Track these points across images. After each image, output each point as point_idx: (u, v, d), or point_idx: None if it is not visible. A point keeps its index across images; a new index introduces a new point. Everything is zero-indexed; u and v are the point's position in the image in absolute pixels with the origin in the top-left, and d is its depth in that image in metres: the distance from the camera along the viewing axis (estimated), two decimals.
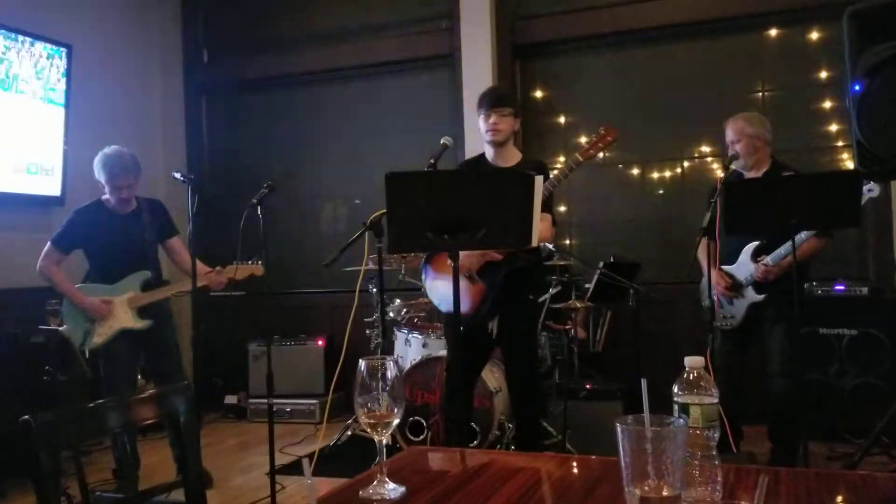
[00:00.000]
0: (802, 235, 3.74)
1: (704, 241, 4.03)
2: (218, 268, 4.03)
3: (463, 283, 3.52)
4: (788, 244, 3.75)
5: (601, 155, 5.77)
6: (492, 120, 3.50)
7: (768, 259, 3.85)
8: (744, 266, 3.95)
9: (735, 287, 3.98)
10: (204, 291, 4.02)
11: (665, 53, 5.64)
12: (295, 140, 6.56)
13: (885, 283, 4.83)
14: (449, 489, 1.32)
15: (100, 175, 3.99)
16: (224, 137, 6.78)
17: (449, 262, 3.47)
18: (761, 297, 3.90)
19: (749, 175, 3.99)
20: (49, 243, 4.03)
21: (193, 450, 1.61)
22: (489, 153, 3.64)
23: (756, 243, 3.92)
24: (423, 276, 3.72)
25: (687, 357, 1.17)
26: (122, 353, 3.99)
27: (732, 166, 4.05)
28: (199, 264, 3.90)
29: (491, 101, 3.52)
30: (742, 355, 4.08)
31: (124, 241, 3.93)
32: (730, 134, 4.03)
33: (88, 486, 1.50)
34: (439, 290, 3.62)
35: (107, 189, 4.00)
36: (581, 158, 3.46)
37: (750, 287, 3.93)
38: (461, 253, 3.45)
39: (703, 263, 4.06)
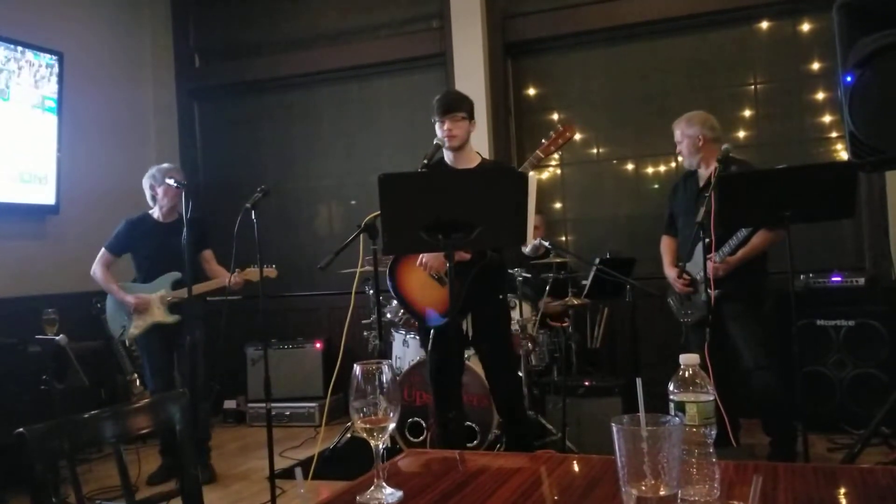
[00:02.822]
0: (743, 233, 3.79)
1: (666, 238, 4.28)
2: (237, 270, 4.30)
3: (433, 286, 3.52)
4: (731, 240, 3.81)
5: (595, 151, 5.81)
6: (446, 126, 3.49)
7: (715, 255, 3.86)
8: (697, 262, 3.93)
9: (693, 283, 3.99)
10: (222, 292, 4.34)
11: (656, 48, 5.64)
12: (288, 143, 6.55)
13: (882, 274, 4.83)
14: (447, 492, 1.32)
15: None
16: (217, 141, 6.77)
17: (418, 265, 3.51)
18: (715, 292, 3.90)
19: (700, 172, 4.06)
20: (103, 248, 4.54)
21: (189, 457, 1.60)
22: (448, 157, 3.62)
23: (707, 240, 3.92)
24: (391, 290, 3.70)
25: (682, 354, 1.16)
26: (156, 345, 4.47)
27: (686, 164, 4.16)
28: (220, 269, 4.54)
29: (443, 108, 3.51)
30: (720, 349, 4.04)
31: (163, 247, 4.38)
32: (675, 136, 4.14)
33: (85, 496, 1.49)
34: (410, 297, 3.62)
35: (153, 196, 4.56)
36: (542, 155, 3.52)
37: (704, 283, 3.93)
38: (428, 255, 3.47)
39: (666, 262, 4.21)
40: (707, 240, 3.81)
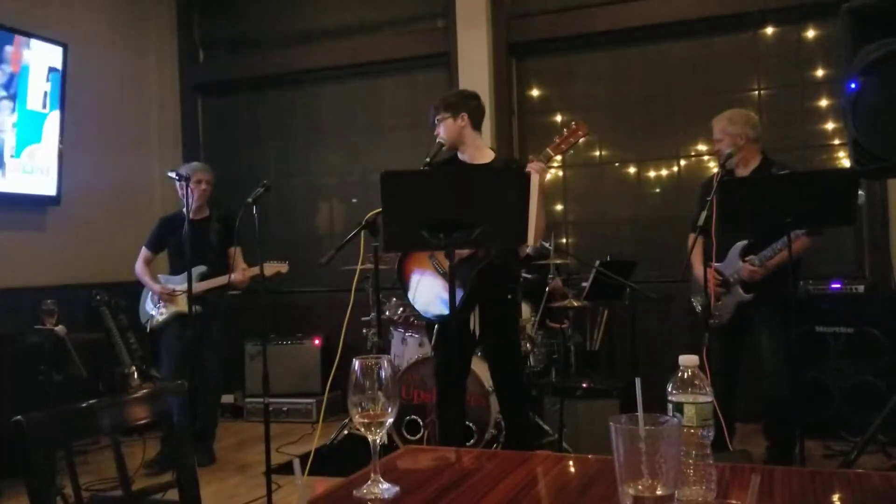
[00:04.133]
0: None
1: (694, 236, 4.04)
2: (243, 266, 4.66)
3: (438, 281, 3.52)
4: (775, 244, 3.76)
5: (598, 153, 5.81)
6: (435, 131, 3.56)
7: (755, 258, 3.84)
8: (731, 264, 3.92)
9: (725, 285, 3.96)
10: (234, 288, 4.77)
11: (661, 51, 5.64)
12: (291, 139, 6.55)
13: (882, 281, 4.83)
14: (443, 488, 1.32)
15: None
16: (220, 136, 6.77)
17: (427, 259, 3.52)
18: (749, 296, 3.88)
19: (739, 172, 3.98)
20: (143, 245, 4.88)
21: (187, 449, 1.60)
22: (460, 155, 3.64)
23: (744, 242, 3.89)
24: (402, 287, 3.71)
25: (681, 356, 1.16)
26: (175, 335, 4.73)
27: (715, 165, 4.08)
28: (242, 266, 4.74)
29: (429, 118, 3.60)
30: (735, 354, 4.06)
31: (193, 242, 4.45)
32: (715, 132, 4.05)
33: (83, 487, 1.50)
34: (419, 293, 3.62)
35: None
36: (552, 153, 3.43)
37: (738, 286, 3.91)
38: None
39: (694, 261, 4.05)
40: (747, 241, 3.80)
